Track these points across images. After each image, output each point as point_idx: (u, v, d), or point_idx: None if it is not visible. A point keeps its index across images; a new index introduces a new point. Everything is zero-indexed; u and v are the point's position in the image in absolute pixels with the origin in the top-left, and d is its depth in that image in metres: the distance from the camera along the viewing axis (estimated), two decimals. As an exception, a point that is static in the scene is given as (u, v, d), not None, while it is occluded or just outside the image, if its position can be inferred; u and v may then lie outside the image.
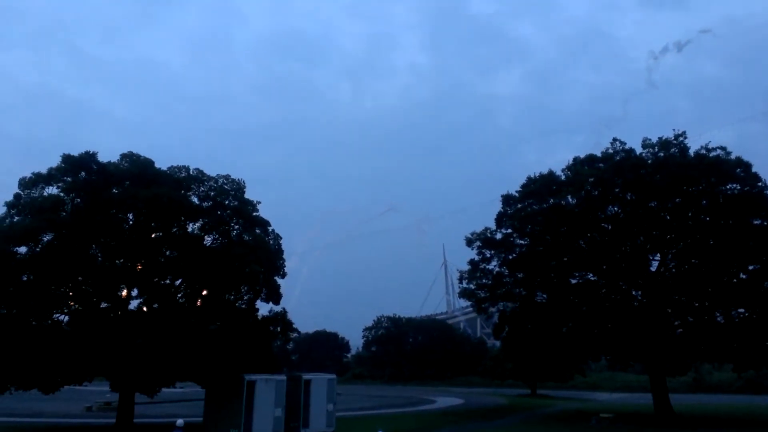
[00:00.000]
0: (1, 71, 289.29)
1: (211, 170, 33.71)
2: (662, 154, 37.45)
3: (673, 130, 38.07)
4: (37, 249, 28.00)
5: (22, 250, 28.14)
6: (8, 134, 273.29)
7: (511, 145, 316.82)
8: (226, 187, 33.24)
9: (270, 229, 34.44)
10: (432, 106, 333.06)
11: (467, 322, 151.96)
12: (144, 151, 32.52)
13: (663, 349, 36.31)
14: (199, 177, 33.13)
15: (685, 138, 37.64)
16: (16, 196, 29.44)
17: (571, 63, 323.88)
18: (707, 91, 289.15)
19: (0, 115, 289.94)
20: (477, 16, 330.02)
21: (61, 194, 29.68)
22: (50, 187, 29.88)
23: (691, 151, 37.20)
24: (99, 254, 29.93)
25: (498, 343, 69.62)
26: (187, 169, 33.24)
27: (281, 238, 34.94)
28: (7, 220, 28.61)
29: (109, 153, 32.47)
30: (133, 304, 30.64)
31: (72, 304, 29.37)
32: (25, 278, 27.75)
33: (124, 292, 30.41)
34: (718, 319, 36.99)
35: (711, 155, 36.36)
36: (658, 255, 38.99)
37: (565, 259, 39.14)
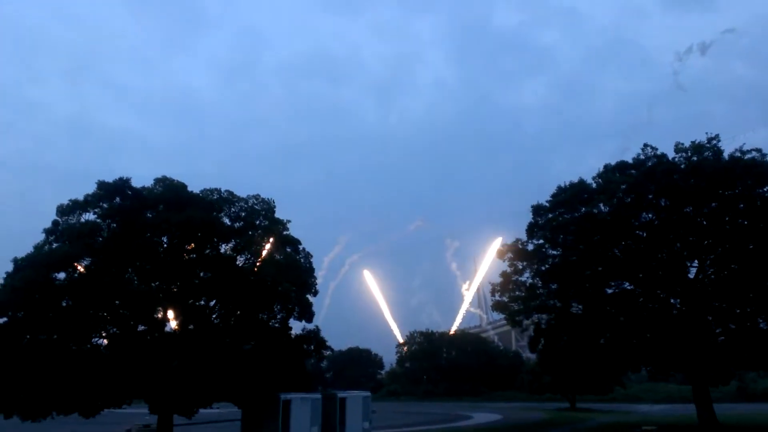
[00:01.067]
0: (39, 103, 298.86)
1: (243, 191, 34.19)
2: (695, 158, 36.76)
3: (706, 133, 37.38)
4: (75, 275, 28.57)
5: (61, 275, 28.76)
6: (47, 165, 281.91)
7: (539, 155, 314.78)
8: (256, 207, 33.62)
9: (300, 247, 34.65)
10: (458, 120, 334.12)
11: (501, 335, 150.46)
12: (178, 176, 33.16)
13: (705, 358, 35.40)
14: (230, 198, 33.57)
15: (719, 141, 36.93)
16: (54, 222, 30.13)
17: (597, 71, 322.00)
18: (740, 93, 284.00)
19: (39, 146, 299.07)
20: (501, 28, 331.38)
21: (98, 220, 30.31)
22: (87, 214, 30.55)
23: (726, 154, 36.45)
24: (135, 278, 30.43)
25: (534, 357, 68.67)
26: (218, 191, 33.73)
27: (312, 256, 35.12)
28: (46, 247, 29.28)
29: (143, 179, 33.17)
30: (169, 326, 31.02)
31: (110, 327, 29.85)
32: (64, 304, 28.30)
33: (160, 315, 30.82)
34: (761, 325, 35.96)
35: (746, 157, 35.58)
36: (696, 261, 38.11)
37: (600, 268, 38.51)
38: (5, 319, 27.40)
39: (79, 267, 28.79)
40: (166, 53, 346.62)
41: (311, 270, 34.50)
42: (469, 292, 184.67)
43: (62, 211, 30.29)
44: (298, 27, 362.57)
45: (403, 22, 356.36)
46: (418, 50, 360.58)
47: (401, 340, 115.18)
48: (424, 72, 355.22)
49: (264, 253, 33.25)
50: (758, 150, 35.79)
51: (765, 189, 35.58)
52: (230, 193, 33.81)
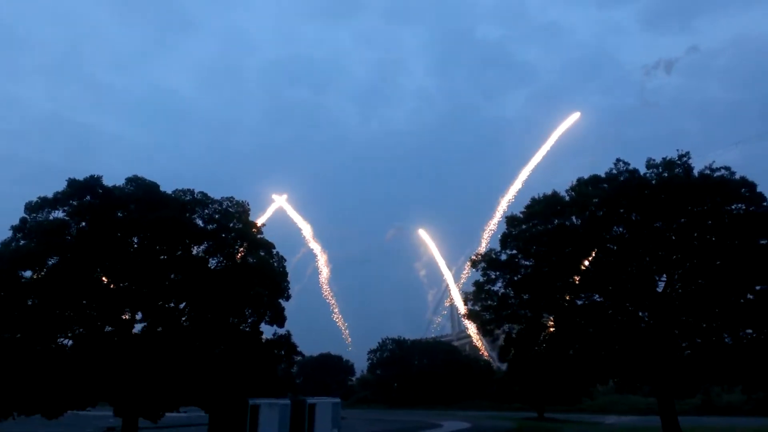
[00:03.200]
0: (14, 99, 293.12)
1: (222, 193, 34.02)
2: (666, 174, 37.39)
3: (677, 150, 38.03)
4: (42, 273, 28.07)
5: (27, 273, 28.23)
6: (20, 160, 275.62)
7: (517, 167, 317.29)
8: (230, 209, 33.39)
9: (274, 251, 34.50)
10: (439, 129, 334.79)
11: (472, 344, 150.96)
12: (155, 177, 32.81)
13: (671, 371, 35.90)
14: (204, 200, 33.28)
15: (689, 158, 37.61)
16: (22, 220, 29.60)
17: (576, 86, 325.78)
18: (714, 112, 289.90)
19: (12, 141, 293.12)
20: (483, 41, 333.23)
21: (67, 218, 29.85)
22: (56, 211, 30.08)
23: (696, 171, 37.16)
24: (103, 278, 29.97)
25: (504, 366, 68.99)
26: (191, 192, 33.41)
27: (285, 260, 35.01)
28: (13, 244, 28.73)
29: (119, 179, 32.77)
30: (137, 327, 30.61)
31: (76, 327, 29.33)
32: (30, 302, 27.77)
33: (128, 316, 30.39)
34: (726, 340, 36.57)
35: (715, 175, 36.28)
36: (665, 276, 38.69)
37: (571, 280, 38.92)
38: (-32, 316, 26.79)
39: (46, 265, 28.28)
40: (147, 54, 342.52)
41: (284, 274, 34.36)
42: (441, 300, 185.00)
43: (31, 208, 29.77)
44: (282, 32, 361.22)
45: (387, 31, 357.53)
46: (401, 59, 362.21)
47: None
48: (407, 81, 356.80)
49: (237, 256, 33.03)
50: (727, 168, 36.54)
51: (733, 206, 36.31)
52: (204, 194, 33.50)
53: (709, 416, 68.37)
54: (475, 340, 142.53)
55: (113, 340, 29.31)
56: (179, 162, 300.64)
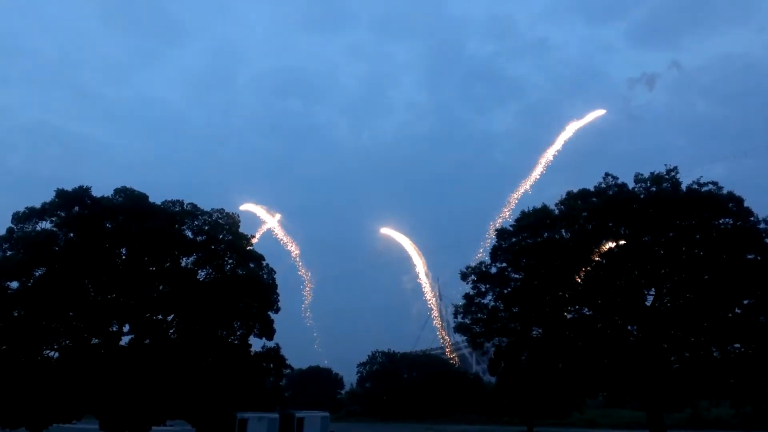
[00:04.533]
0: (2, 108, 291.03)
1: (212, 204, 33.94)
2: (654, 189, 37.65)
3: (665, 165, 38.33)
4: (29, 283, 27.82)
5: (14, 284, 27.97)
6: (8, 170, 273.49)
7: (506, 181, 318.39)
8: (220, 221, 33.28)
9: (264, 263, 34.36)
10: (429, 143, 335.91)
11: (462, 357, 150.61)
12: (145, 188, 32.66)
13: (659, 385, 35.92)
14: (194, 211, 33.17)
15: (677, 173, 37.90)
16: (9, 230, 29.38)
17: (565, 100, 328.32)
18: (701, 128, 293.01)
19: (0, 150, 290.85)
20: (474, 56, 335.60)
21: (54, 228, 29.66)
22: (44, 222, 29.90)
23: (683, 186, 37.43)
24: (91, 289, 29.76)
25: (494, 379, 68.78)
26: (181, 203, 33.29)
27: (275, 272, 34.86)
28: (0, 255, 28.48)
29: (108, 190, 32.60)
30: (125, 339, 30.34)
31: (62, 340, 29.05)
32: (15, 313, 27.50)
33: (116, 328, 30.13)
34: (715, 354, 36.69)
35: (703, 190, 36.58)
36: (653, 289, 38.82)
37: (560, 293, 38.96)
38: (-48, 327, 26.48)
39: (32, 276, 28.03)
40: (138, 64, 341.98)
41: (274, 286, 34.21)
42: (431, 313, 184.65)
43: (18, 218, 29.56)
44: (273, 44, 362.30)
45: (378, 44, 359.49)
46: (391, 72, 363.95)
47: (363, 360, 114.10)
48: (397, 94, 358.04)
49: (226, 268, 32.88)
50: (715, 183, 36.85)
51: (720, 221, 36.57)
52: (193, 205, 33.40)
53: (698, 430, 68.42)
54: (465, 353, 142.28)
55: (100, 352, 29.05)
56: (169, 172, 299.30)
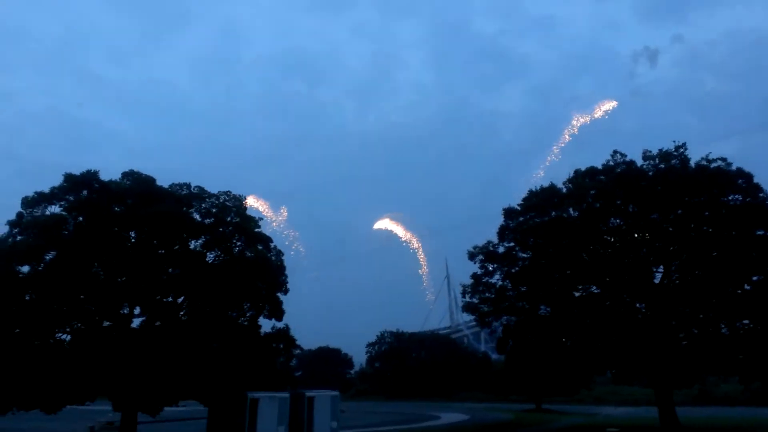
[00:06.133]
0: (9, 93, 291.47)
1: (217, 187, 33.90)
2: (663, 166, 37.47)
3: (674, 141, 38.11)
4: (40, 268, 28.01)
5: (25, 269, 28.18)
6: (15, 155, 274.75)
7: (514, 160, 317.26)
8: (227, 203, 33.32)
9: (272, 245, 34.45)
10: (436, 122, 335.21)
11: (471, 336, 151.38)
12: (152, 171, 32.70)
13: (668, 362, 36.06)
14: (201, 194, 33.23)
15: (686, 149, 37.69)
16: (19, 215, 29.51)
17: (572, 78, 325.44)
18: (710, 105, 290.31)
19: (7, 136, 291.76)
20: (480, 34, 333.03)
21: (64, 213, 29.76)
22: (53, 206, 29.98)
23: (692, 163, 37.22)
24: (101, 272, 29.92)
25: (502, 358, 69.25)
26: (188, 186, 33.35)
27: (283, 253, 34.95)
28: (10, 240, 28.66)
29: (115, 173, 32.66)
30: (136, 322, 30.59)
31: (74, 322, 29.31)
32: (27, 297, 27.73)
33: (127, 311, 30.36)
34: (723, 330, 36.75)
35: (712, 166, 36.37)
36: (662, 267, 38.82)
37: (568, 272, 39.00)
38: (-34, 312, 26.76)
39: (43, 260, 28.22)
40: (143, 47, 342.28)
41: (282, 268, 34.31)
42: (441, 292, 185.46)
43: (27, 203, 29.67)
44: (277, 25, 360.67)
45: (383, 24, 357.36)
46: (397, 52, 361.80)
47: (372, 340, 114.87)
48: (403, 74, 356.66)
49: (235, 250, 33.00)
50: (723, 159, 36.64)
51: (729, 197, 36.41)
52: (200, 188, 33.46)
53: (706, 406, 68.77)
54: (473, 332, 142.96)
55: (112, 334, 29.28)
56: (173, 155, 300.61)
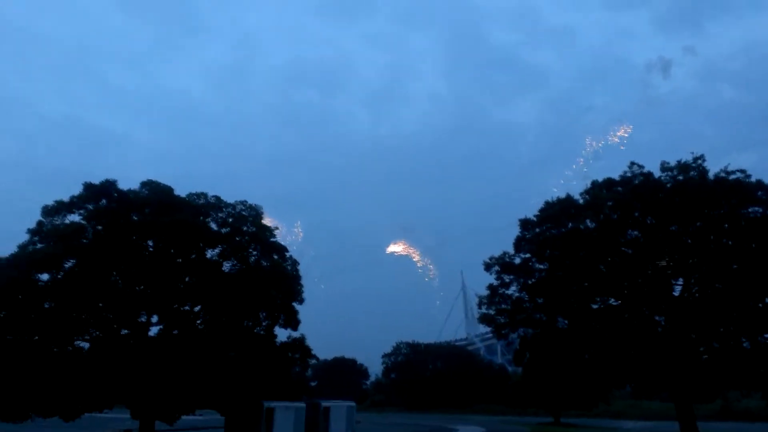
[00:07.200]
0: (25, 100, 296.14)
1: (231, 193, 34.22)
2: (681, 178, 37.08)
3: (692, 153, 37.71)
4: (59, 276, 28.39)
5: (44, 277, 28.56)
6: (31, 163, 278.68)
7: (529, 171, 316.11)
8: (243, 213, 33.59)
9: (287, 254, 34.64)
10: (450, 133, 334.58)
11: (487, 348, 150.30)
12: (165, 178, 33.14)
13: (688, 376, 35.52)
14: (217, 203, 33.53)
15: (704, 161, 37.26)
16: (39, 223, 29.98)
17: (588, 89, 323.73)
18: (728, 116, 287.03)
19: (24, 143, 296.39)
20: (495, 45, 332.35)
21: (83, 221, 30.18)
22: (72, 215, 30.45)
23: (711, 174, 36.80)
24: (119, 280, 30.26)
25: (519, 370, 68.62)
26: (205, 195, 33.67)
27: (299, 263, 35.09)
28: (30, 247, 29.08)
29: (131, 181, 33.16)
30: (153, 330, 30.83)
31: (92, 330, 29.62)
32: (46, 305, 28.09)
33: (144, 319, 30.63)
34: (745, 344, 36.15)
35: (731, 178, 35.94)
36: (681, 279, 38.31)
37: (586, 284, 38.64)
38: (-14, 318, 27.17)
39: (62, 268, 28.60)
40: (158, 55, 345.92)
41: (298, 278, 34.45)
42: (457, 303, 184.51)
43: (47, 211, 30.15)
44: (291, 34, 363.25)
45: (397, 34, 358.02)
46: (411, 62, 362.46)
47: (388, 351, 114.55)
48: (417, 84, 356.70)
49: (251, 259, 33.20)
50: (743, 171, 36.17)
51: (749, 210, 35.90)
52: (217, 198, 33.77)
53: (728, 422, 67.54)
54: (489, 344, 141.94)
55: (129, 342, 29.56)
56: (188, 161, 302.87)
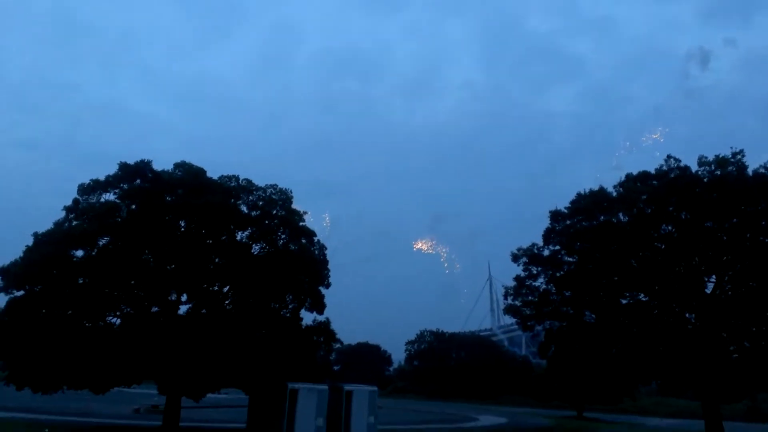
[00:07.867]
0: (73, 86, 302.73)
1: (266, 179, 34.48)
2: (719, 173, 36.23)
3: (731, 147, 36.78)
4: (93, 252, 28.96)
5: (79, 253, 29.17)
6: (76, 144, 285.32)
7: (564, 162, 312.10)
8: (273, 196, 33.78)
9: (315, 239, 34.78)
10: (484, 122, 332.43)
11: (511, 339, 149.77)
12: (202, 162, 33.59)
13: (717, 375, 34.94)
14: (248, 187, 33.78)
15: (743, 156, 36.33)
16: (75, 201, 30.57)
17: (628, 80, 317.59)
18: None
19: (70, 125, 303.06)
20: (533, 33, 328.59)
21: (117, 200, 30.70)
22: (107, 194, 30.98)
23: (750, 170, 35.89)
24: (151, 259, 30.74)
25: (543, 362, 68.22)
26: (236, 178, 33.95)
27: (326, 248, 35.22)
28: (66, 224, 29.70)
29: (167, 163, 33.62)
30: (183, 309, 31.31)
31: (124, 307, 30.19)
32: (80, 281, 28.69)
33: (174, 297, 31.10)
34: (777, 345, 35.38)
35: (771, 174, 34.99)
36: (714, 277, 37.56)
37: (616, 278, 38.12)
38: (22, 292, 27.88)
39: (97, 245, 29.16)
40: (201, 43, 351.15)
41: (325, 262, 34.60)
42: (483, 294, 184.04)
43: (83, 190, 30.72)
44: (330, 23, 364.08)
45: (434, 23, 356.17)
46: (448, 51, 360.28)
47: (411, 338, 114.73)
48: (453, 73, 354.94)
49: (279, 243, 33.43)
50: (783, 167, 35.19)
51: (789, 207, 34.95)
52: (248, 181, 34.02)
53: (756, 423, 66.38)
54: (514, 335, 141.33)
55: (159, 320, 30.05)
56: (225, 147, 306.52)
